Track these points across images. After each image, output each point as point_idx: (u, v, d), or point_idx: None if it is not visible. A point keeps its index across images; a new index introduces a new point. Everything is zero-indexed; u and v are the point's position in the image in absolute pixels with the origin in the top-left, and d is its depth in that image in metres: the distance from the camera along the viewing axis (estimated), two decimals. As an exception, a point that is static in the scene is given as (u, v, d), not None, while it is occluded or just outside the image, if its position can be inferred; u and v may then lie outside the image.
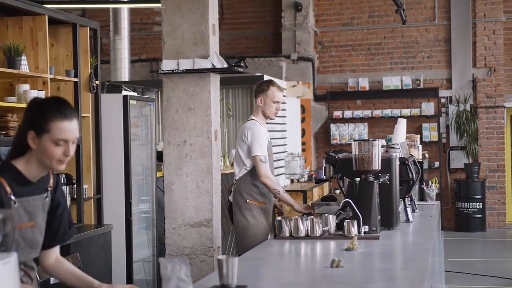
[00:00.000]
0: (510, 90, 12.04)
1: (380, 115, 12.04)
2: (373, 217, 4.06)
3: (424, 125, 11.90)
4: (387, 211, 4.27)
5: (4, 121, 4.98)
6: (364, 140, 4.23)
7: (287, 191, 5.57)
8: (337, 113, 12.20)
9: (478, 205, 11.50)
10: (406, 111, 11.86)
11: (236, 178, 5.20)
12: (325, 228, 4.00)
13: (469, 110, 11.63)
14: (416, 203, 5.32)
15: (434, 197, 6.16)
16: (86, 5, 11.01)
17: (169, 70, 5.08)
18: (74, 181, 5.52)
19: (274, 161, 5.85)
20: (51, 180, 2.78)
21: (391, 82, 12.03)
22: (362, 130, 12.11)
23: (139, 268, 6.52)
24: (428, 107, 11.88)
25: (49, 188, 2.76)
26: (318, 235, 3.97)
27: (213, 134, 5.13)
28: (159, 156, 6.07)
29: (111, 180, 6.12)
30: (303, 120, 11.69)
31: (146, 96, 7.14)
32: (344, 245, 3.66)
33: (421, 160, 6.13)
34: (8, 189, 2.59)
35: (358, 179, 4.14)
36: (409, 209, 4.77)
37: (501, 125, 11.88)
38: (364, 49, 12.35)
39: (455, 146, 11.87)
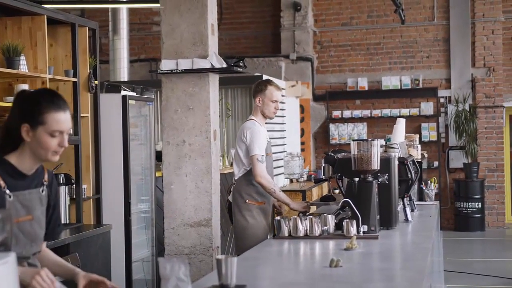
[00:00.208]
0: (509, 89, 12.05)
1: (379, 115, 12.04)
2: (372, 217, 4.06)
3: (423, 125, 11.91)
4: (386, 211, 4.27)
5: (3, 121, 4.97)
6: (363, 140, 4.24)
7: (286, 190, 5.58)
8: (336, 113, 12.20)
9: (477, 204, 11.51)
10: (405, 111, 11.87)
11: (236, 178, 5.20)
12: (324, 227, 4.01)
13: (468, 110, 11.63)
14: (415, 203, 5.32)
15: (433, 196, 6.16)
16: (85, 5, 11.01)
17: (168, 70, 5.08)
18: (73, 181, 5.52)
19: (274, 160, 5.85)
20: (46, 175, 2.79)
21: (390, 82, 12.03)
22: (361, 130, 12.11)
23: (138, 268, 6.52)
24: (427, 107, 11.89)
25: (44, 183, 2.77)
26: (317, 234, 3.97)
27: (212, 134, 5.13)
28: (158, 156, 6.08)
29: (110, 180, 6.11)
30: (302, 120, 11.69)
31: (145, 96, 7.14)
32: (343, 244, 3.67)
33: (420, 160, 6.14)
34: (2, 183, 2.59)
35: (357, 179, 4.14)
36: (408, 209, 4.78)
37: (500, 125, 11.89)
38: (363, 49, 12.36)
39: (454, 146, 11.87)
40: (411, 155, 5.31)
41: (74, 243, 4.99)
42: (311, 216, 4.06)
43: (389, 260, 3.59)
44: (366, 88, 12.16)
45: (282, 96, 6.12)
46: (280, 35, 12.40)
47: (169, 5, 5.14)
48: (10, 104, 4.98)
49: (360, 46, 12.36)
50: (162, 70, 5.10)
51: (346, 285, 2.91)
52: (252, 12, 12.86)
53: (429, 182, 6.22)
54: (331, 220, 4.05)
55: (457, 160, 11.85)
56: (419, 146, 6.50)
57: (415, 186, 5.80)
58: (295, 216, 4.09)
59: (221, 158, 8.02)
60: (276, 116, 5.39)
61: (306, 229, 3.99)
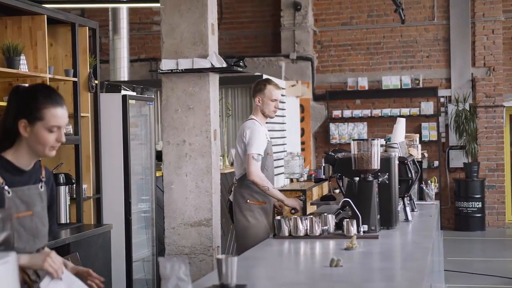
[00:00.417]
0: (509, 89, 12.05)
1: (380, 115, 12.04)
2: (372, 216, 4.06)
3: (424, 124, 11.91)
4: (386, 210, 4.27)
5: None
6: (363, 140, 4.23)
7: (286, 190, 5.58)
8: (337, 113, 12.20)
9: (478, 204, 11.51)
10: (405, 111, 11.87)
11: (237, 178, 5.19)
12: (324, 227, 4.00)
13: (468, 109, 11.63)
14: (415, 203, 5.32)
15: (434, 196, 6.16)
16: (85, 4, 11.01)
17: (168, 70, 5.09)
18: (73, 181, 5.52)
19: (274, 160, 5.85)
20: (43, 172, 2.80)
21: (390, 81, 12.03)
22: (361, 130, 12.11)
23: (139, 268, 6.52)
24: (427, 107, 11.88)
25: (42, 179, 2.77)
26: (317, 234, 3.97)
27: (212, 134, 5.13)
28: (159, 155, 6.08)
29: (110, 179, 6.11)
30: (302, 119, 11.69)
31: (145, 95, 7.14)
32: (343, 244, 3.66)
33: (420, 160, 6.13)
34: (0, 179, 2.59)
35: (357, 178, 4.14)
36: (408, 209, 4.78)
37: (500, 125, 11.89)
38: (363, 48, 12.35)
39: (454, 146, 11.87)
40: (411, 155, 5.31)
41: (74, 243, 4.99)
42: (311, 216, 4.06)
43: (389, 260, 3.58)
44: (366, 88, 12.16)
45: (282, 95, 6.13)
46: (280, 35, 12.40)
47: (169, 5, 5.14)
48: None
49: (360, 45, 12.36)
50: (162, 70, 5.10)
51: (347, 284, 2.91)
52: (252, 12, 12.87)
53: (429, 181, 6.21)
54: (331, 219, 4.05)
55: (457, 159, 11.86)
56: (419, 146, 6.50)
57: (415, 186, 5.79)
58: (296, 216, 4.09)
59: (221, 157, 8.02)
60: (276, 115, 5.39)
61: (307, 229, 3.99)
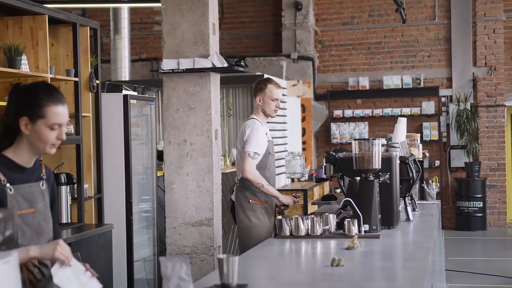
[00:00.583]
0: (511, 88, 12.04)
1: (381, 114, 12.04)
2: (373, 216, 4.06)
3: (425, 124, 11.90)
4: (388, 210, 4.27)
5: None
6: (364, 139, 4.23)
7: (287, 190, 5.58)
8: (338, 112, 12.20)
9: (479, 204, 11.50)
10: (407, 110, 11.86)
11: (238, 178, 5.19)
12: (326, 227, 4.01)
13: (469, 109, 11.62)
14: (416, 202, 5.32)
15: (435, 196, 6.15)
16: (86, 4, 10.99)
17: (169, 70, 5.09)
18: (74, 181, 5.52)
19: (275, 160, 5.85)
20: (43, 170, 2.80)
21: (391, 81, 12.03)
22: (362, 129, 12.11)
23: (140, 267, 6.53)
24: (429, 106, 11.88)
25: (43, 177, 2.78)
26: (318, 234, 3.97)
27: (214, 133, 5.13)
28: (160, 155, 6.07)
29: (111, 179, 6.12)
30: (303, 119, 11.69)
31: (147, 95, 7.14)
32: (344, 244, 3.67)
33: (421, 159, 6.14)
34: (2, 177, 2.60)
35: (358, 178, 4.14)
36: (409, 208, 4.78)
37: (501, 124, 11.88)
38: (364, 48, 12.35)
39: (455, 145, 11.87)
40: (412, 154, 5.31)
41: (75, 243, 4.99)
42: (312, 216, 4.06)
43: (390, 260, 3.58)
44: (367, 88, 12.16)
45: (283, 95, 6.12)
46: (281, 35, 12.40)
47: (170, 5, 5.14)
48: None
49: (361, 45, 12.35)
50: (163, 70, 5.11)
51: (348, 284, 2.91)
52: (253, 12, 12.86)
53: (430, 181, 6.21)
54: (332, 219, 4.05)
55: (459, 159, 11.85)
56: (421, 145, 6.50)
57: (417, 185, 5.80)
58: (297, 216, 4.09)
59: (222, 157, 8.02)
60: (277, 115, 5.39)
61: (308, 229, 3.99)
